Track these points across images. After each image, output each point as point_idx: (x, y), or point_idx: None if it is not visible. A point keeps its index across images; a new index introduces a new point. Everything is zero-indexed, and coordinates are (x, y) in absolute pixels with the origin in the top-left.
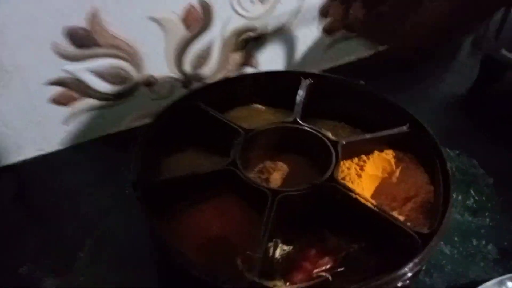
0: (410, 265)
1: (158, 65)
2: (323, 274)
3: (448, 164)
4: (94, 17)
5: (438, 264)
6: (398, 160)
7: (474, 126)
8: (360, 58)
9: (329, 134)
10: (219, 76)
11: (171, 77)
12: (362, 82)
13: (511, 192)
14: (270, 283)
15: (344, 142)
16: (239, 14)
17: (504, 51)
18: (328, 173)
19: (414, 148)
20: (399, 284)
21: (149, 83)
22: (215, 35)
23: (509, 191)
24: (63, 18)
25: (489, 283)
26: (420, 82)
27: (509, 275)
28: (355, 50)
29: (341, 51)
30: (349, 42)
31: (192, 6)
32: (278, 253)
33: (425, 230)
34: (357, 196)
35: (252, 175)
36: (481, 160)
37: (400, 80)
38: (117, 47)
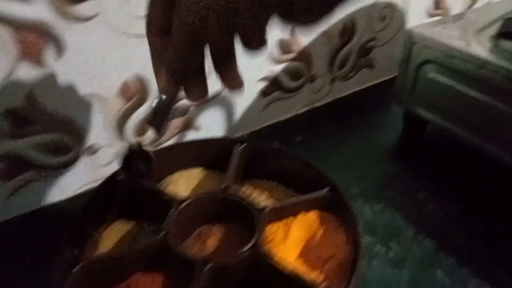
0: None
1: (100, 135)
2: None
3: (359, 228)
4: (30, 98)
5: None
6: (322, 220)
7: (401, 176)
8: (296, 115)
9: (265, 195)
10: (161, 141)
11: (114, 146)
12: (298, 138)
13: (430, 243)
14: None
15: (267, 210)
16: None
17: (419, 109)
18: (252, 242)
19: (335, 209)
20: None
21: (92, 152)
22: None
23: (428, 241)
24: (3, 99)
25: None
26: (352, 135)
27: None
28: (290, 108)
29: (278, 110)
30: (285, 102)
31: (127, 81)
32: None
33: None
34: (275, 264)
35: (187, 241)
36: (404, 211)
37: (333, 134)
38: (56, 123)
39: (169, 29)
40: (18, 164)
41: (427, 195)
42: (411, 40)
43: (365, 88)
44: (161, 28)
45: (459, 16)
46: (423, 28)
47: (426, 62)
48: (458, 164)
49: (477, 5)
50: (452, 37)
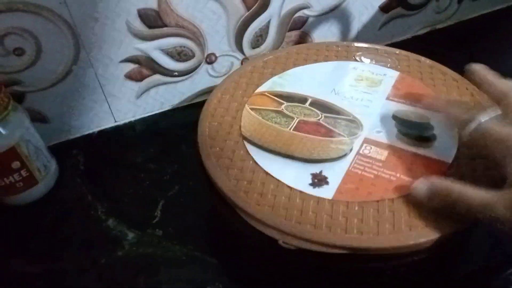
0: None
1: (220, 44)
2: None
3: None
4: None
5: None
6: None
7: None
8: (414, 36)
9: None
10: None
11: (231, 55)
12: None
13: None
14: None
15: None
16: None
17: None
18: None
19: None
20: None
21: (211, 61)
22: (272, 14)
23: None
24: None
25: None
26: (475, 60)
27: None
28: (410, 28)
29: (396, 29)
30: (405, 20)
31: None
32: None
33: None
34: None
35: None
36: None
37: (453, 58)
38: (182, 27)
39: None
40: (148, 67)
41: None
42: None
43: (496, 10)
44: None
45: None
46: None
47: None
48: None
49: None
50: None
